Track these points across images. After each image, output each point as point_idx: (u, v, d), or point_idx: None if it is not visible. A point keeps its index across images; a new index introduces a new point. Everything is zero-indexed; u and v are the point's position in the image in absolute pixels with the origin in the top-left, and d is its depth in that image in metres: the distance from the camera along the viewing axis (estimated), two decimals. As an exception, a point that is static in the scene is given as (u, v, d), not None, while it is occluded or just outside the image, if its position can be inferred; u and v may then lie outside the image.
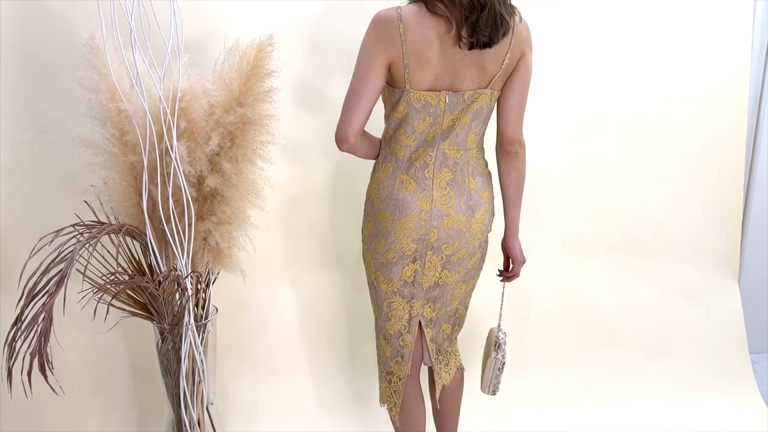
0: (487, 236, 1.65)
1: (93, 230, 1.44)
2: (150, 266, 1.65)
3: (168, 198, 1.52)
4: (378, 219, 1.56)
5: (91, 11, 1.51)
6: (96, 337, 1.99)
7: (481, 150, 1.63)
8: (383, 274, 1.59)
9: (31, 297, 1.29)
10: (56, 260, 1.36)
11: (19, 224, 1.87)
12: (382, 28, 1.40)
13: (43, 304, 1.24)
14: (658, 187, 2.40)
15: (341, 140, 1.45)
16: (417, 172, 1.53)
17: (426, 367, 1.83)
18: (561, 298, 2.40)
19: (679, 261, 2.45)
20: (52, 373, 1.24)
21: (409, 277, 1.58)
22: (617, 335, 2.43)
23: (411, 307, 1.61)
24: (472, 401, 2.21)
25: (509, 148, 1.59)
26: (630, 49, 2.27)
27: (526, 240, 2.32)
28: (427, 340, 1.66)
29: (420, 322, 1.64)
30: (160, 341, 1.65)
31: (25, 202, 1.88)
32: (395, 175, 1.54)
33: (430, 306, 1.64)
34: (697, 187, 2.41)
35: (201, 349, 1.67)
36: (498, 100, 1.56)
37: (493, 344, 1.80)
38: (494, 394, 1.82)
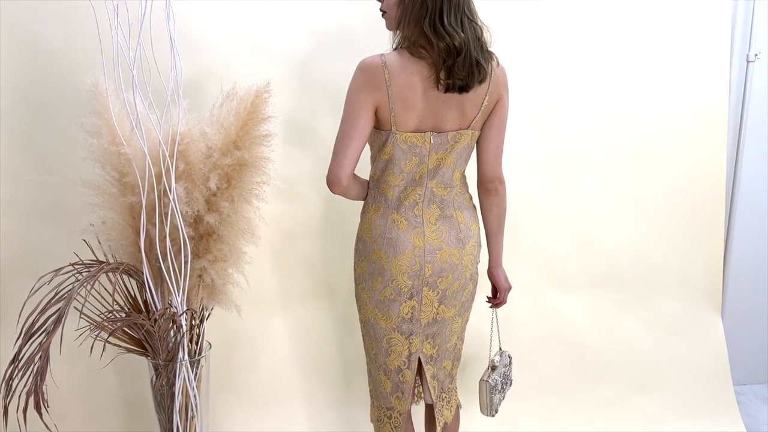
0: (476, 267, 1.70)
1: (92, 269, 1.48)
2: (145, 302, 1.68)
3: (165, 237, 1.56)
4: (372, 258, 1.60)
5: (93, 49, 1.57)
6: (88, 369, 2.00)
7: (465, 185, 1.69)
8: (381, 311, 1.62)
9: (29, 336, 1.32)
10: (54, 299, 1.39)
11: (18, 260, 1.91)
12: (367, 75, 1.45)
13: (40, 343, 1.27)
14: (640, 221, 2.44)
15: (334, 183, 1.49)
16: (407, 210, 1.58)
17: (421, 404, 1.85)
18: (546, 331, 2.42)
19: (663, 294, 2.49)
20: (47, 411, 1.26)
21: (407, 314, 1.62)
22: (603, 368, 2.46)
23: (410, 343, 1.64)
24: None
25: (489, 186, 1.66)
26: (610, 85, 2.33)
27: (511, 273, 2.37)
28: (428, 378, 1.68)
29: (420, 360, 1.67)
30: (155, 377, 1.68)
31: (24, 238, 1.92)
32: (386, 214, 1.59)
33: (429, 342, 1.67)
34: (679, 220, 2.45)
35: (194, 384, 1.69)
36: (477, 141, 1.63)
37: (488, 366, 1.85)
38: (492, 415, 1.83)
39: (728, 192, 2.62)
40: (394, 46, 1.53)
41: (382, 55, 1.46)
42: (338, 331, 2.26)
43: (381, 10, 1.52)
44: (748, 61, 2.52)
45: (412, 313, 1.61)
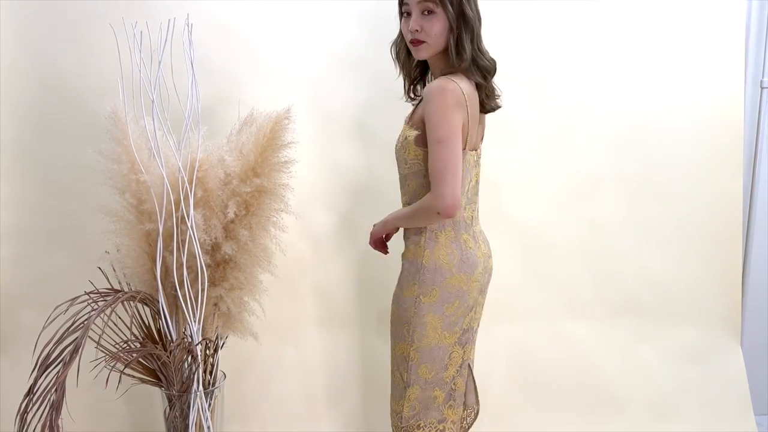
0: None
1: (108, 299, 1.45)
2: (159, 331, 1.65)
3: (182, 264, 1.54)
4: (450, 284, 1.57)
5: (111, 76, 1.56)
6: (99, 398, 1.95)
7: None
8: (449, 330, 1.60)
9: (44, 367, 1.29)
10: (70, 329, 1.36)
11: (33, 287, 1.89)
12: (454, 96, 1.47)
13: (56, 375, 1.24)
14: (656, 247, 2.41)
15: (455, 207, 1.47)
16: (469, 228, 1.63)
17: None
18: (563, 360, 2.37)
19: (681, 323, 2.44)
20: (63, 446, 1.23)
21: (467, 324, 1.65)
22: (620, 398, 2.40)
23: (464, 351, 1.67)
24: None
25: None
26: (624, 110, 2.31)
27: (526, 301, 2.37)
28: (476, 382, 1.73)
29: (470, 367, 1.71)
30: (168, 408, 1.64)
31: (40, 265, 1.90)
32: (458, 237, 1.59)
33: (473, 347, 1.73)
34: (695, 246, 2.42)
35: (208, 415, 1.66)
36: None
37: None
38: None
39: (745, 217, 2.59)
40: (440, 72, 1.56)
41: (448, 78, 1.49)
42: (352, 358, 2.22)
43: (418, 40, 1.50)
44: (762, 87, 2.51)
45: (470, 323, 1.66)
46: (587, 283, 2.37)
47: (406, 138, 1.57)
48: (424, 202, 1.54)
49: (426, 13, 1.48)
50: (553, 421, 2.34)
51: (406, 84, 1.67)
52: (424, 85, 1.67)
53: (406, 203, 1.64)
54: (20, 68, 1.85)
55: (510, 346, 2.31)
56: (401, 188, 1.65)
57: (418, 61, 1.60)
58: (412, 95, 1.68)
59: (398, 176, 1.65)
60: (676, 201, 2.39)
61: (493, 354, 2.28)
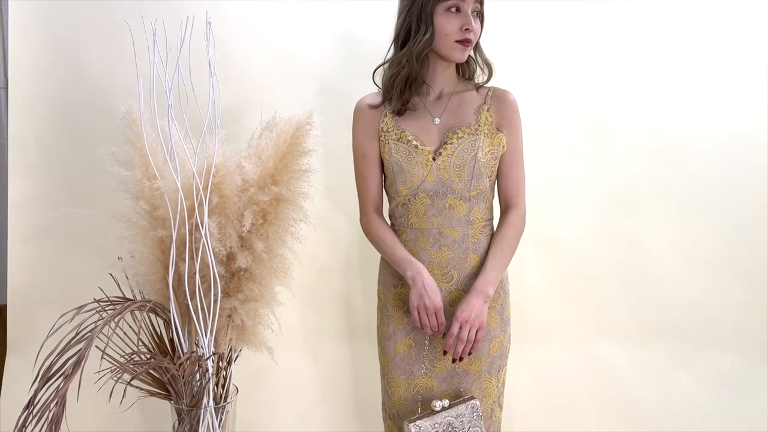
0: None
1: (117, 306, 1.39)
2: (171, 341, 1.59)
3: (195, 274, 1.47)
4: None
5: (134, 74, 1.51)
6: (109, 408, 1.91)
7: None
8: None
9: (45, 379, 1.23)
10: (75, 339, 1.30)
11: (43, 293, 1.85)
12: None
13: (57, 389, 1.18)
14: (699, 267, 2.28)
15: None
16: None
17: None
18: (593, 384, 2.26)
19: (722, 348, 2.31)
20: (62, 464, 1.17)
21: None
22: (652, 426, 2.27)
23: None
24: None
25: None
26: (665, 119, 2.20)
27: (558, 320, 2.26)
28: None
29: None
30: (177, 423, 1.57)
31: (51, 270, 1.87)
32: None
33: None
34: (742, 268, 2.29)
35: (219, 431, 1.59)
36: None
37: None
38: None
39: (793, 238, 2.44)
40: (451, 77, 1.57)
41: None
42: (373, 372, 2.13)
43: (469, 40, 1.47)
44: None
45: None
46: (622, 302, 2.26)
47: (500, 146, 1.53)
48: (517, 223, 1.56)
49: (474, 13, 1.45)
50: (579, 448, 2.22)
51: (405, 96, 1.53)
52: (405, 100, 1.54)
53: (459, 237, 1.52)
54: (43, 67, 1.82)
55: (537, 368, 2.21)
56: (460, 213, 1.52)
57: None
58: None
59: (451, 198, 1.52)
60: (720, 217, 2.26)
61: (520, 376, 2.16)
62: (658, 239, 2.25)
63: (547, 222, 2.18)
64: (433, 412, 1.48)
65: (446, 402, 1.49)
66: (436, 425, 1.47)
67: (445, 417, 1.48)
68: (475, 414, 1.50)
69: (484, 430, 1.50)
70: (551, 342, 2.22)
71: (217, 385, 1.62)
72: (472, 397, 1.52)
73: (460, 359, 1.45)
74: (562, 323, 2.22)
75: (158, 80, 1.38)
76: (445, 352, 1.46)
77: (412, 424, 1.46)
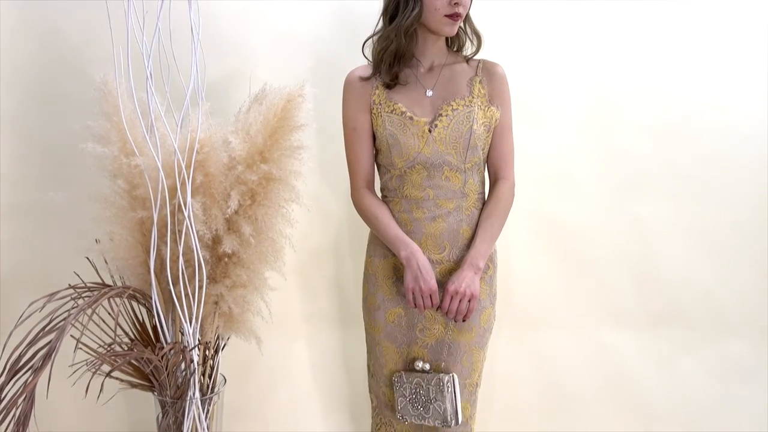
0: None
1: (94, 293, 1.29)
2: (154, 329, 1.49)
3: (178, 258, 1.37)
4: None
5: (109, 45, 1.40)
6: (88, 400, 1.83)
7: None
8: None
9: (13, 372, 1.14)
10: (47, 329, 1.20)
11: (16, 278, 1.73)
12: None
13: (25, 383, 1.08)
14: (707, 253, 2.20)
15: None
16: None
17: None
18: (597, 370, 2.20)
19: (730, 336, 2.24)
20: (30, 463, 1.08)
21: None
22: (658, 414, 2.22)
23: None
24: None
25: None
26: (677, 102, 2.12)
27: (561, 305, 2.19)
28: None
29: None
30: (161, 415, 1.49)
31: (24, 253, 1.75)
32: None
33: None
34: (751, 254, 2.21)
35: (205, 424, 1.50)
36: None
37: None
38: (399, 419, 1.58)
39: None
40: (439, 51, 1.56)
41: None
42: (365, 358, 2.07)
43: (459, 14, 1.45)
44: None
45: None
46: (628, 288, 2.18)
47: (493, 119, 1.52)
48: (507, 195, 1.56)
49: None
50: (582, 435, 2.17)
51: (394, 70, 1.51)
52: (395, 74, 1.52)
53: (454, 208, 1.51)
54: (11, 35, 1.69)
55: (541, 353, 2.15)
56: (455, 185, 1.52)
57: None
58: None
59: (447, 170, 1.50)
60: (730, 201, 2.18)
61: (523, 361, 2.14)
62: (665, 223, 2.17)
63: (552, 205, 2.10)
64: (414, 370, 1.53)
65: (427, 366, 1.52)
66: (411, 383, 1.52)
67: (416, 377, 1.52)
68: (441, 389, 1.48)
69: (450, 408, 1.48)
70: (555, 327, 2.15)
71: (203, 375, 1.53)
72: (448, 373, 1.51)
73: (463, 320, 1.49)
74: (566, 308, 2.16)
75: (135, 45, 1.26)
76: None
77: (396, 373, 1.54)
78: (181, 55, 1.43)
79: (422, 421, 1.51)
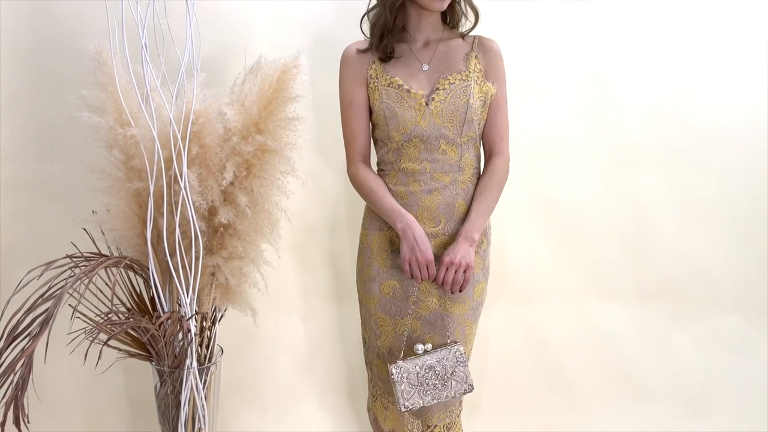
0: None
1: (91, 262, 1.30)
2: (152, 300, 1.51)
3: (175, 229, 1.38)
4: None
5: (103, 16, 1.39)
6: (91, 367, 1.85)
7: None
8: None
9: (11, 338, 1.15)
10: (44, 296, 1.22)
11: (13, 249, 1.74)
12: None
13: (23, 349, 1.10)
14: (702, 228, 2.21)
15: None
16: None
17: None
18: (588, 345, 2.22)
19: (723, 310, 2.26)
20: (27, 427, 1.10)
21: None
22: (651, 389, 2.25)
23: None
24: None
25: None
26: (667, 77, 2.11)
27: (555, 280, 2.20)
28: None
29: None
30: (159, 384, 1.51)
31: (20, 225, 1.76)
32: None
33: None
34: (742, 228, 2.22)
35: (203, 394, 1.52)
36: None
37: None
38: (401, 410, 1.52)
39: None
40: (433, 26, 1.55)
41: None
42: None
43: None
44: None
45: None
46: (622, 263, 2.19)
47: (489, 94, 1.53)
48: (501, 170, 1.57)
49: None
50: (576, 411, 2.20)
51: (384, 43, 1.52)
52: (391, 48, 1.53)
53: (450, 182, 1.52)
54: (16, 9, 1.68)
55: (536, 328, 2.17)
56: (452, 158, 1.53)
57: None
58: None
59: (444, 144, 1.51)
60: (724, 177, 2.18)
61: (515, 337, 2.16)
62: (658, 199, 2.18)
63: (546, 181, 2.11)
64: (416, 356, 1.50)
65: (429, 346, 1.52)
66: (417, 367, 1.49)
67: (426, 360, 1.49)
68: (459, 359, 1.50)
69: (469, 374, 1.50)
70: (550, 302, 2.16)
71: (200, 345, 1.55)
72: (456, 342, 1.52)
73: (460, 290, 1.50)
74: (561, 283, 2.17)
75: (130, 18, 1.26)
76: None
77: (394, 365, 1.49)
78: (177, 27, 1.43)
79: (437, 401, 1.49)
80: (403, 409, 1.48)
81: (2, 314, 1.18)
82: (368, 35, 1.56)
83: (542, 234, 2.14)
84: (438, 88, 1.49)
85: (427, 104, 1.48)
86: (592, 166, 2.13)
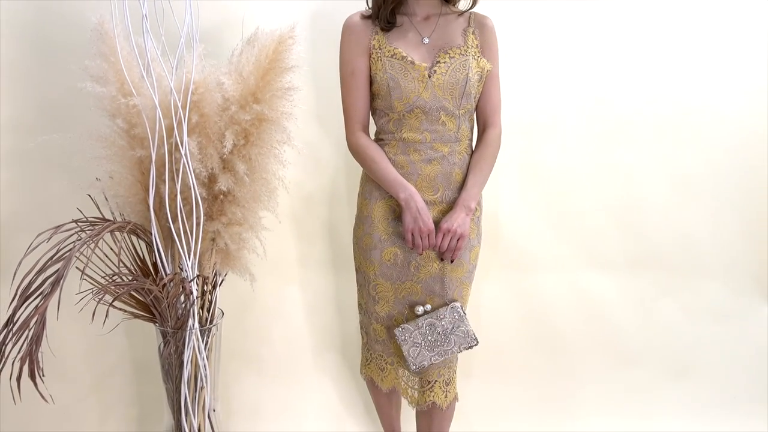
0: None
1: (96, 227, 1.36)
2: (155, 265, 1.57)
3: (176, 196, 1.43)
4: None
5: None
6: (97, 330, 1.91)
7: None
8: None
9: (24, 297, 1.21)
10: (54, 258, 1.27)
11: (19, 216, 1.79)
12: None
13: (36, 306, 1.16)
14: (687, 198, 2.27)
15: None
16: None
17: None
18: (577, 312, 2.28)
19: (707, 278, 2.32)
20: (42, 380, 1.16)
21: None
22: (637, 353, 2.32)
23: None
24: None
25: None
26: (657, 51, 2.15)
27: (544, 249, 2.25)
28: None
29: None
30: (162, 345, 1.57)
31: (26, 192, 1.80)
32: None
33: None
34: (728, 198, 2.28)
35: (204, 354, 1.59)
36: None
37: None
38: (412, 371, 1.63)
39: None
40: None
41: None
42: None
43: None
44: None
45: None
46: (610, 232, 2.25)
47: (485, 69, 1.58)
48: (495, 142, 1.63)
49: None
50: (565, 377, 2.28)
51: (383, 14, 1.55)
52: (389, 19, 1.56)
53: (448, 152, 1.58)
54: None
55: (525, 297, 2.23)
56: (450, 129, 1.57)
57: None
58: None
59: (444, 115, 1.56)
60: (710, 149, 2.23)
61: (507, 303, 2.22)
62: (648, 170, 2.23)
63: (538, 152, 2.15)
64: (416, 316, 1.60)
65: (428, 306, 1.60)
66: (418, 326, 1.57)
67: (426, 319, 1.58)
68: (457, 315, 1.57)
69: (470, 329, 1.58)
70: (538, 271, 2.22)
71: (202, 308, 1.61)
72: (453, 300, 1.60)
73: (451, 260, 1.57)
74: (552, 252, 2.22)
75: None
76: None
77: (398, 328, 1.58)
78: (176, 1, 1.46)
79: (443, 357, 1.58)
80: (414, 368, 1.57)
81: (14, 275, 1.23)
82: (370, 5, 1.59)
83: (533, 204, 2.19)
84: (439, 62, 1.54)
85: (429, 76, 1.52)
86: (583, 138, 2.17)
